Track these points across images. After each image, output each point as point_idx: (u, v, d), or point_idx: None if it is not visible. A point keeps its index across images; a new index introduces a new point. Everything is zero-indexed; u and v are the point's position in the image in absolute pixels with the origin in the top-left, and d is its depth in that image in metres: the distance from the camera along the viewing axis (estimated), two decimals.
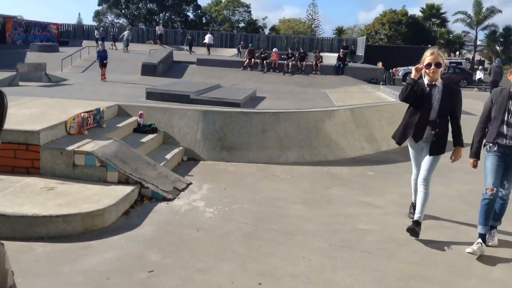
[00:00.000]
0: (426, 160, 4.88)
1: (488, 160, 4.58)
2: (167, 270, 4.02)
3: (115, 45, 31.21)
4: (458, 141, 4.90)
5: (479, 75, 30.38)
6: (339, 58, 24.05)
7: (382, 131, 9.11)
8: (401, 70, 29.01)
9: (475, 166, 4.70)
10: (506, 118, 4.45)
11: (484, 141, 4.67)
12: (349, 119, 9.06)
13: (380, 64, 27.82)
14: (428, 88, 4.79)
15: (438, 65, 4.71)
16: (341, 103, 13.01)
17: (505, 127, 4.46)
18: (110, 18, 59.74)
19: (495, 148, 4.52)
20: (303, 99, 14.50)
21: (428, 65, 4.72)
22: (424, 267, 4.20)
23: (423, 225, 4.90)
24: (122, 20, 59.20)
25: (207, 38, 33.04)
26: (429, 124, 4.81)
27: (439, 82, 4.80)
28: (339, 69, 23.26)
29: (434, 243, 4.79)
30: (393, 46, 47.81)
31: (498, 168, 4.50)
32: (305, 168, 7.65)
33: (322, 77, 22.45)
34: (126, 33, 31.08)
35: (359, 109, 9.61)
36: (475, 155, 4.67)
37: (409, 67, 29.71)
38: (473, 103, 17.71)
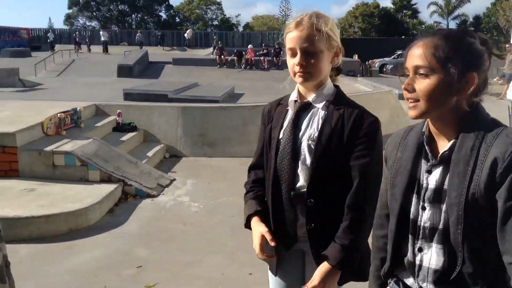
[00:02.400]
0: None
1: None
2: (156, 265, 3.97)
3: (79, 48, 30.87)
4: (341, 250, 1.70)
5: None
6: None
7: None
8: (377, 62, 29.33)
9: None
10: (415, 210, 1.38)
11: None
12: None
13: (356, 57, 28.07)
14: (293, 112, 1.82)
15: (307, 52, 1.70)
16: None
17: (411, 238, 1.40)
18: (81, 21, 58.87)
19: None
20: (282, 94, 14.50)
21: (292, 53, 1.75)
22: None
23: None
24: (94, 23, 58.39)
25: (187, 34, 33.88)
26: (297, 198, 1.78)
27: (322, 96, 1.79)
28: None
29: None
30: (368, 38, 48.43)
31: None
32: None
33: None
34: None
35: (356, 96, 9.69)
36: None
37: (385, 58, 30.12)
38: None
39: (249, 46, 25.63)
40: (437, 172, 1.33)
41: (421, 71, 1.28)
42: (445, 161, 1.31)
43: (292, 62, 1.74)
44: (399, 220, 1.42)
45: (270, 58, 23.37)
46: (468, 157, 1.26)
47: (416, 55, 1.30)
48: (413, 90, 1.30)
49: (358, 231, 1.71)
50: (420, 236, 1.37)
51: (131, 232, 4.65)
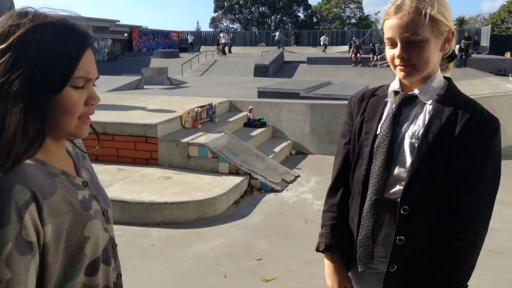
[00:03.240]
0: None
1: None
2: (275, 260, 3.98)
3: (221, 49, 32.23)
4: (439, 282, 1.43)
5: None
6: (460, 50, 22.34)
7: None
8: None
9: None
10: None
11: None
12: None
13: (508, 55, 25.35)
14: (394, 106, 1.52)
15: (409, 43, 1.40)
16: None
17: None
18: (225, 24, 62.38)
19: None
20: None
21: (391, 43, 1.46)
22: None
23: None
24: (236, 25, 61.44)
25: (322, 40, 33.64)
26: (384, 205, 1.50)
27: (430, 90, 1.48)
28: (461, 61, 21.59)
29: None
30: None
31: None
32: None
33: None
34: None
35: (485, 98, 8.82)
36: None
37: None
38: None
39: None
40: None
41: None
42: None
43: (391, 54, 1.46)
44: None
45: None
46: None
47: None
48: None
49: (471, 257, 1.43)
50: None
51: (254, 224, 4.74)
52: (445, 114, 1.42)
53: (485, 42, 32.04)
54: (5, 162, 0.92)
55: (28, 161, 0.98)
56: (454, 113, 1.41)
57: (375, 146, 1.51)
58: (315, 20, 61.27)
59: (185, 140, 6.06)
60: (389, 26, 1.43)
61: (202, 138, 6.17)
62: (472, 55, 23.32)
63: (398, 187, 1.46)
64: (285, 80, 16.21)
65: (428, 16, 1.37)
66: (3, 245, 0.87)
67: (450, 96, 1.47)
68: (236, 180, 5.51)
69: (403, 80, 1.51)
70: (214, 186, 5.25)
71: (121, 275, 1.23)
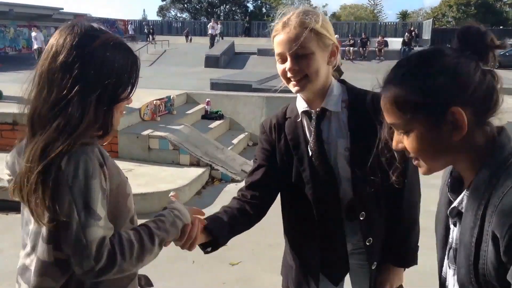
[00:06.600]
0: None
1: None
2: (240, 244, 4.20)
3: (153, 38, 31.27)
4: (399, 253, 1.72)
5: None
6: (404, 43, 23.42)
7: None
8: None
9: None
10: (445, 268, 1.15)
11: None
12: None
13: None
14: (312, 126, 1.58)
15: (298, 56, 1.47)
16: None
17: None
18: (173, 13, 61.48)
19: None
20: (365, 86, 14.29)
21: (281, 59, 1.53)
22: None
23: None
24: (185, 15, 60.72)
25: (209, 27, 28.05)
26: (347, 216, 1.64)
27: (335, 98, 1.57)
28: (404, 54, 22.63)
29: None
30: None
31: None
32: None
33: (386, 63, 21.92)
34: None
35: None
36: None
37: None
38: None
39: (335, 36, 25.32)
40: (457, 228, 1.01)
41: (399, 130, 1.02)
42: (458, 216, 1.00)
43: (282, 68, 1.52)
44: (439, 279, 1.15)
45: (356, 48, 23.02)
46: (473, 223, 0.91)
47: (385, 109, 1.02)
48: (405, 149, 1.03)
49: (416, 225, 1.73)
50: None
51: None
52: (360, 118, 1.49)
53: (426, 35, 33.56)
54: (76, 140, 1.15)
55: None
56: (367, 115, 1.36)
57: (315, 170, 1.57)
58: (264, 11, 61.65)
59: (145, 132, 6.17)
60: (278, 41, 1.50)
61: (162, 130, 6.31)
62: (415, 48, 24.45)
63: (350, 197, 1.58)
64: (237, 72, 16.47)
65: (312, 30, 1.45)
66: (97, 192, 1.14)
67: (354, 98, 1.57)
68: (198, 171, 5.71)
69: (301, 95, 1.59)
70: (176, 178, 5.42)
71: None
